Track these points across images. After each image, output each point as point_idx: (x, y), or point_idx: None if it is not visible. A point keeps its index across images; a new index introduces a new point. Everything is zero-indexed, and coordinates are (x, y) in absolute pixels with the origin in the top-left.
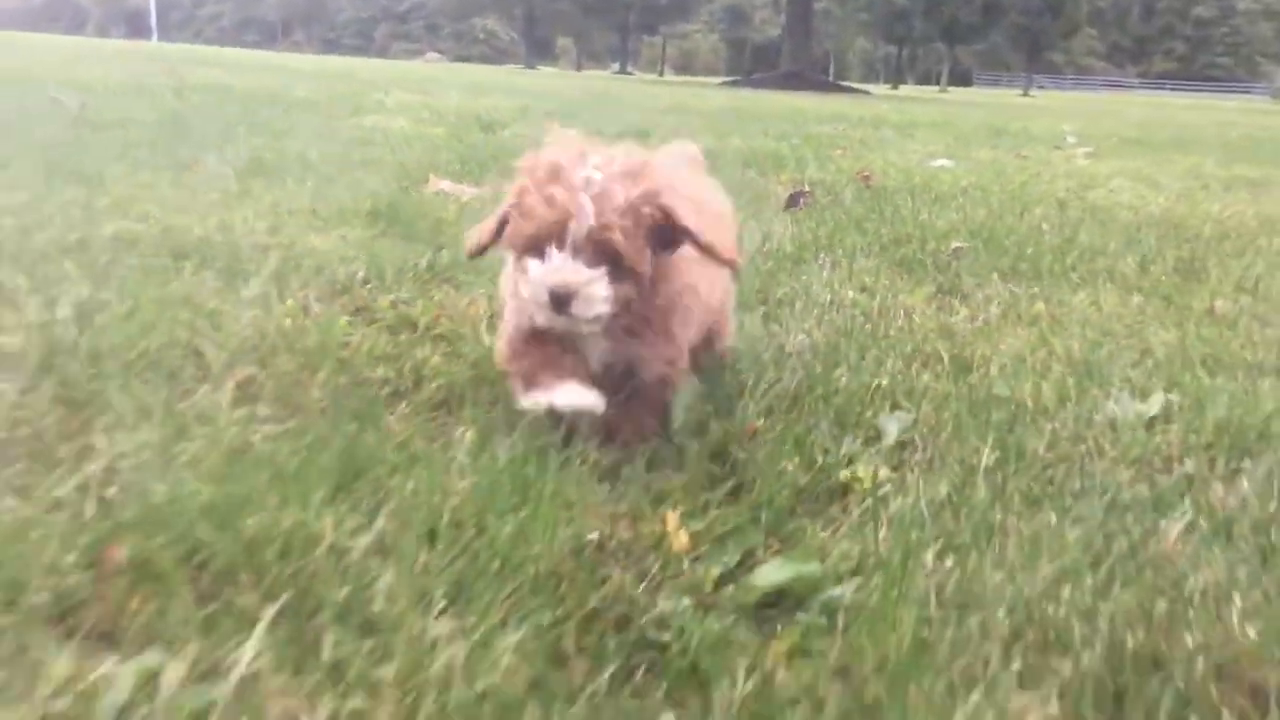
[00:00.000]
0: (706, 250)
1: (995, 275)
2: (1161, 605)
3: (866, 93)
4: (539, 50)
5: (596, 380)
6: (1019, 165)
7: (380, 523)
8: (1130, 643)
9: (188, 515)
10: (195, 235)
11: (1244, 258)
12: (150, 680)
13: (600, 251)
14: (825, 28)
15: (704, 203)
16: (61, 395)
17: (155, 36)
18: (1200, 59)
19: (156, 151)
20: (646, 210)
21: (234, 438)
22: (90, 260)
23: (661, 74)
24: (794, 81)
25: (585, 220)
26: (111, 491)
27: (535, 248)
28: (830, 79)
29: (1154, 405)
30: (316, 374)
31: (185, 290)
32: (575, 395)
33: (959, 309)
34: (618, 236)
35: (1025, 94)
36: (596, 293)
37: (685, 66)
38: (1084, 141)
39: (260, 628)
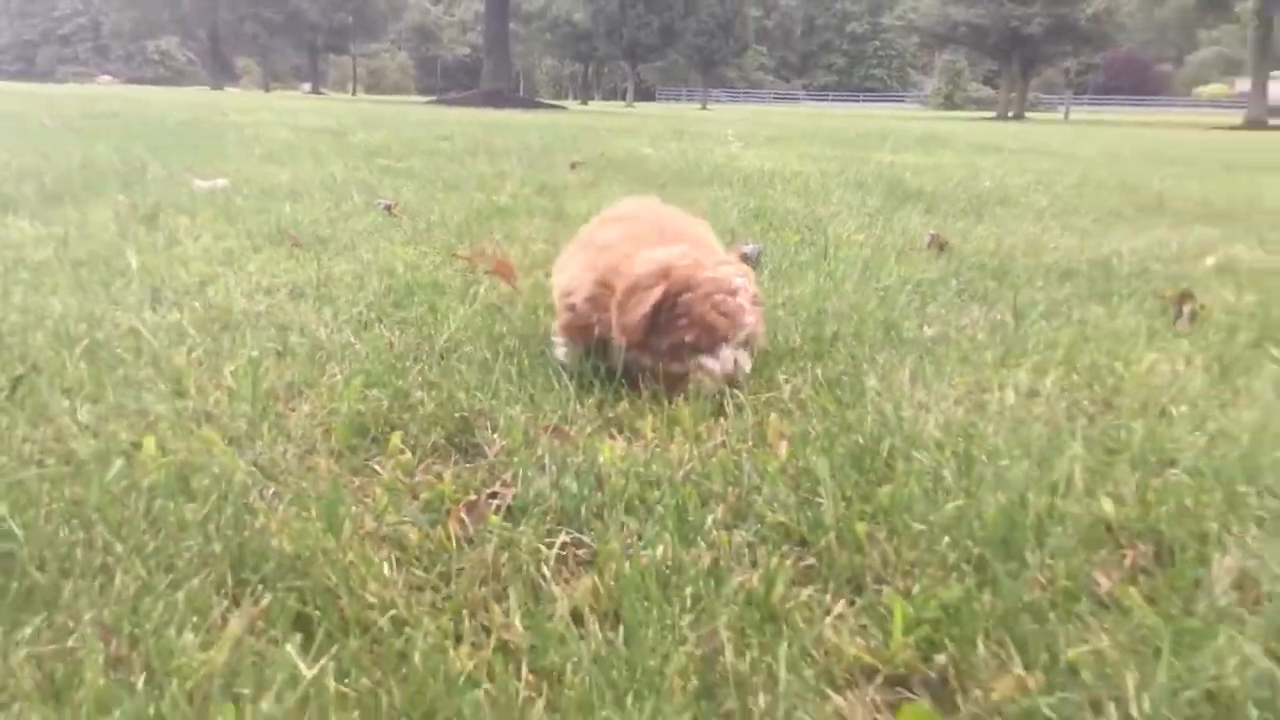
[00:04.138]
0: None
1: (655, 191)
2: None
3: (564, 108)
4: (221, 71)
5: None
6: (695, 150)
7: None
8: None
9: None
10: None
11: (793, 182)
12: None
13: (749, 341)
14: (513, 47)
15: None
16: None
17: None
18: (857, 72)
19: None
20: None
21: None
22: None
23: (354, 93)
24: (496, 99)
25: (749, 326)
26: None
27: (711, 346)
28: (526, 96)
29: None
30: None
31: None
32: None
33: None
34: (761, 329)
35: (704, 107)
36: (747, 368)
37: (374, 85)
38: (740, 138)
39: None
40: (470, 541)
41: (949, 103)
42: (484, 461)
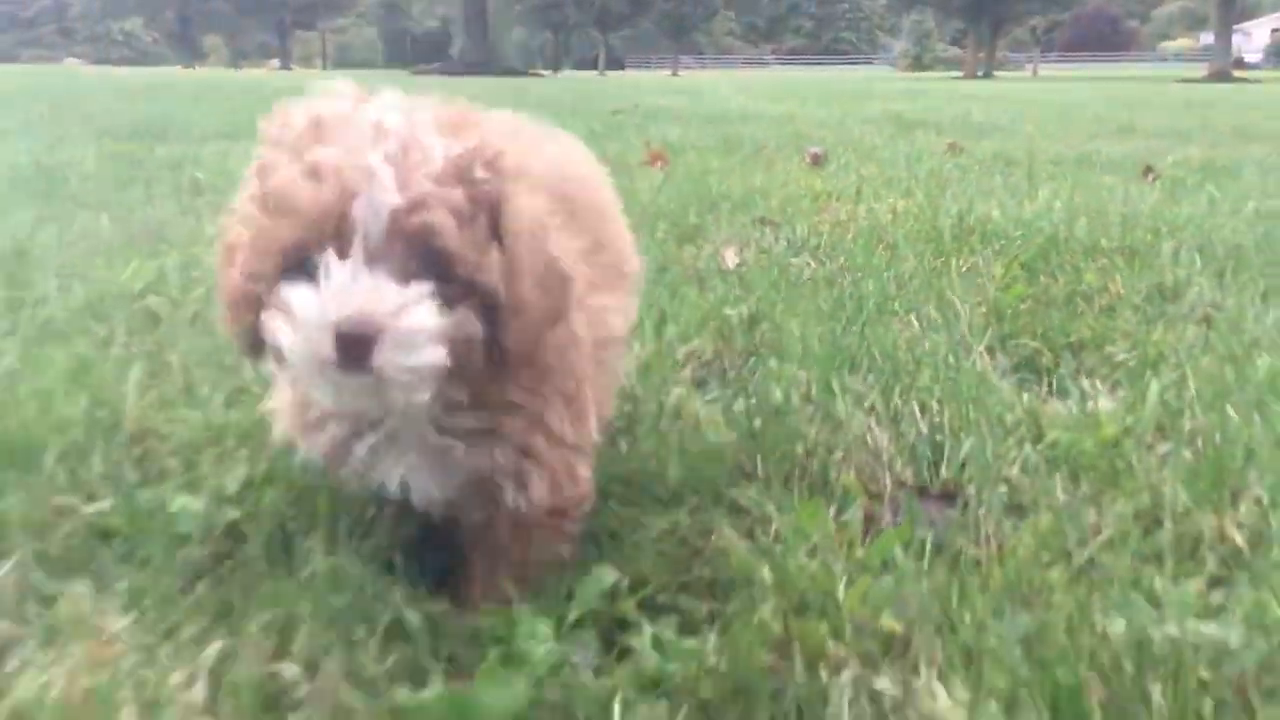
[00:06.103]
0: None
1: (704, 125)
2: None
3: (543, 77)
4: (189, 50)
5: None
6: (708, 103)
7: None
8: None
9: None
10: None
11: (810, 119)
12: None
13: (416, 252)
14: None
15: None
16: None
17: None
18: (826, 35)
19: None
20: (484, 178)
21: None
22: None
23: (324, 68)
24: (477, 69)
25: (384, 197)
26: None
27: (299, 263)
28: (505, 66)
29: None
30: None
31: None
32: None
33: (721, 130)
34: (443, 219)
35: (674, 74)
36: (418, 325)
37: (343, 60)
38: (740, 94)
39: None
40: None
41: (918, 64)
42: None
